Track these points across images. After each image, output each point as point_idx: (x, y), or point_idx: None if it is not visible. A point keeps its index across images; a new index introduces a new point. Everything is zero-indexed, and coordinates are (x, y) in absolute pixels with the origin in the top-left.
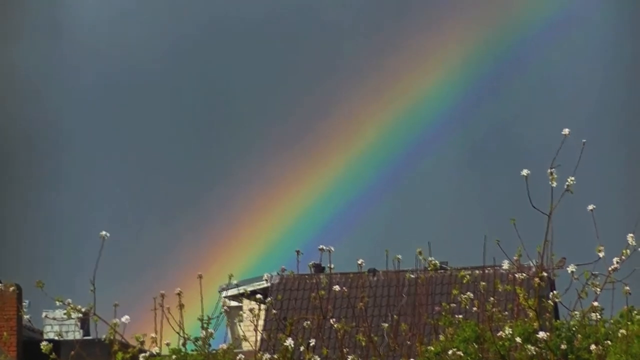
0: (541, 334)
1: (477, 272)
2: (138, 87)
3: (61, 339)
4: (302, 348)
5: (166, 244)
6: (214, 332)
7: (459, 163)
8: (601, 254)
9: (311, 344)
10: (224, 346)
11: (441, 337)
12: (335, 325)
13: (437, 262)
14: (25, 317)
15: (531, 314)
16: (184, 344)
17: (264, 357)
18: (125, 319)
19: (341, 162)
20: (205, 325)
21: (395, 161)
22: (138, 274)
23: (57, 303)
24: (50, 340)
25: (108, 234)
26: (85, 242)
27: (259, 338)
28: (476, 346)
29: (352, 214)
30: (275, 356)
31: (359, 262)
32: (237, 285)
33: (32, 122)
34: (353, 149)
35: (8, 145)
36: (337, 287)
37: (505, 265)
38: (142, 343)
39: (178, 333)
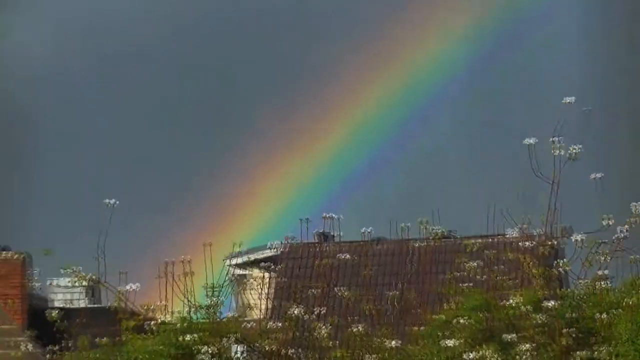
0: (548, 303)
1: (483, 240)
2: (145, 51)
3: (69, 307)
4: (307, 316)
5: (174, 212)
6: (223, 300)
7: (466, 131)
8: (608, 222)
9: (319, 312)
10: (232, 314)
11: (447, 306)
12: (341, 294)
13: (443, 230)
14: (35, 285)
15: (537, 283)
16: (192, 312)
17: (269, 325)
18: (134, 286)
19: (347, 130)
20: (210, 294)
21: (403, 130)
22: (146, 243)
23: (65, 271)
24: (58, 308)
25: (117, 202)
26: (94, 209)
27: (265, 306)
28: (484, 315)
29: (359, 183)
30: (283, 324)
31: (366, 230)
32: (243, 254)
33: (41, 83)
34: (359, 117)
35: (16, 107)
36: (342, 256)
37: (512, 233)
38: (150, 311)
39: (185, 301)
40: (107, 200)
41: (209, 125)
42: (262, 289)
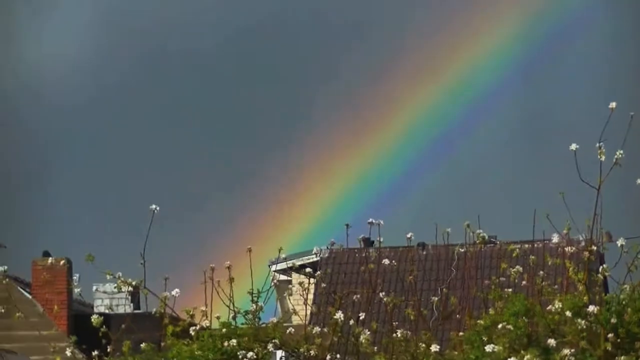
0: (591, 308)
1: (526, 245)
2: (181, 48)
3: (111, 312)
4: (351, 322)
5: (215, 218)
6: (264, 306)
7: (510, 136)
8: None
9: (360, 318)
10: (274, 320)
11: (490, 311)
12: (384, 299)
13: (485, 235)
14: (76, 290)
15: (581, 287)
16: (234, 318)
17: (313, 330)
18: (175, 292)
19: (391, 134)
20: (255, 299)
21: (445, 135)
22: (188, 248)
23: (108, 277)
24: (100, 314)
25: (157, 208)
26: (136, 215)
27: (308, 312)
28: (526, 320)
29: (403, 188)
30: (325, 329)
31: (408, 235)
32: (286, 259)
33: (80, 95)
34: (402, 122)
35: (56, 116)
36: (386, 261)
37: (555, 239)
38: (192, 316)
39: (228, 306)
40: (152, 206)
41: (252, 127)
42: (304, 295)
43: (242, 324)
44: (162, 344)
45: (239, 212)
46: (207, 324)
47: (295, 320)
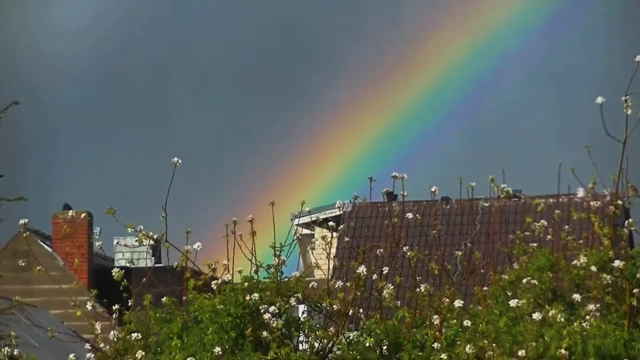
0: (616, 263)
1: (551, 200)
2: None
3: (132, 266)
4: (374, 276)
5: (239, 171)
6: (286, 260)
7: (536, 91)
8: None
9: (383, 272)
10: (296, 274)
11: (515, 266)
12: (407, 254)
13: (510, 189)
14: (97, 244)
15: (606, 242)
16: (256, 272)
17: (336, 285)
18: (197, 245)
19: (415, 89)
20: (277, 253)
21: (471, 88)
22: (210, 202)
23: (129, 230)
24: (121, 267)
25: (180, 161)
26: (158, 169)
27: (331, 266)
28: (550, 275)
29: (426, 142)
30: (348, 284)
31: (432, 189)
32: (309, 213)
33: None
34: (428, 76)
35: (84, 76)
36: (410, 215)
37: (580, 193)
38: (214, 270)
39: (250, 260)
40: (174, 159)
41: (276, 80)
42: (327, 249)
43: (264, 278)
44: (184, 298)
45: (263, 166)
46: (229, 278)
47: (318, 274)
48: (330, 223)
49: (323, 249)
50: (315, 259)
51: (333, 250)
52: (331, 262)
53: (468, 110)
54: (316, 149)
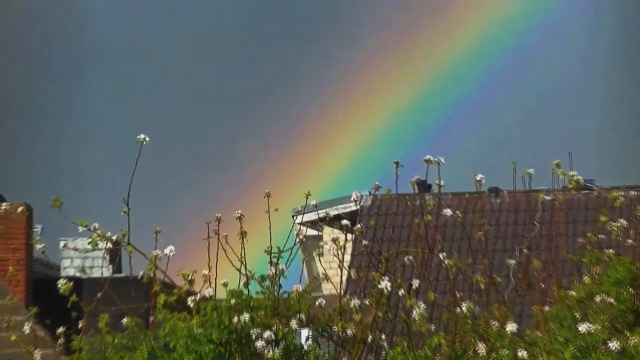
0: None
1: (632, 192)
2: None
3: (84, 276)
4: (401, 291)
5: (223, 156)
6: (286, 270)
7: (606, 66)
8: None
9: (413, 287)
10: (299, 287)
11: (585, 279)
12: (445, 262)
13: (580, 178)
14: (38, 247)
15: None
16: (246, 285)
17: (351, 303)
18: (169, 250)
19: (450, 53)
20: (274, 260)
21: (520, 56)
22: (186, 194)
23: (80, 229)
24: (69, 278)
25: (147, 139)
26: (116, 154)
27: (344, 278)
28: (632, 291)
29: (469, 115)
30: (367, 301)
31: (478, 178)
32: (316, 208)
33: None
34: (472, 40)
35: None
36: (448, 211)
37: None
38: (191, 282)
39: (239, 270)
40: (140, 136)
41: (279, 53)
42: (339, 255)
43: (257, 293)
44: (151, 318)
45: (256, 148)
46: (211, 293)
47: (327, 288)
48: (344, 221)
49: (334, 255)
50: (324, 269)
51: (347, 258)
52: (344, 272)
53: (518, 72)
54: (324, 128)
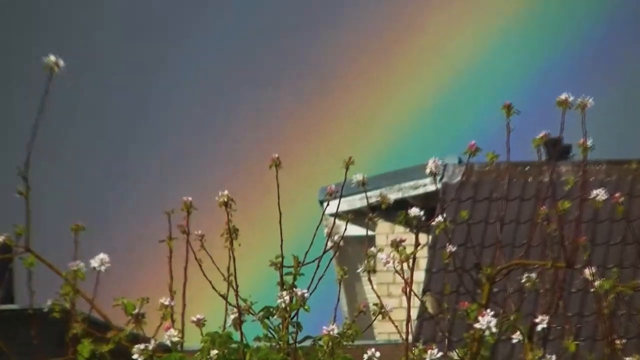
0: None
1: None
2: None
3: None
4: (517, 335)
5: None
6: (308, 296)
7: None
8: None
9: (539, 326)
10: (332, 330)
11: None
12: (595, 284)
13: None
14: None
15: None
16: (237, 323)
17: (428, 357)
18: (99, 261)
19: None
20: (288, 280)
21: None
22: (143, 169)
23: None
24: None
25: (61, 62)
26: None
27: (414, 311)
28: None
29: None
30: (457, 355)
31: None
32: (364, 185)
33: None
34: None
35: None
36: (601, 193)
37: None
38: (139, 319)
39: (224, 298)
40: (50, 59)
41: None
42: (404, 269)
43: (258, 338)
44: None
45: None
46: (175, 339)
47: (384, 329)
48: (413, 210)
49: (395, 272)
50: (378, 295)
51: (419, 275)
52: (415, 302)
53: None
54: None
